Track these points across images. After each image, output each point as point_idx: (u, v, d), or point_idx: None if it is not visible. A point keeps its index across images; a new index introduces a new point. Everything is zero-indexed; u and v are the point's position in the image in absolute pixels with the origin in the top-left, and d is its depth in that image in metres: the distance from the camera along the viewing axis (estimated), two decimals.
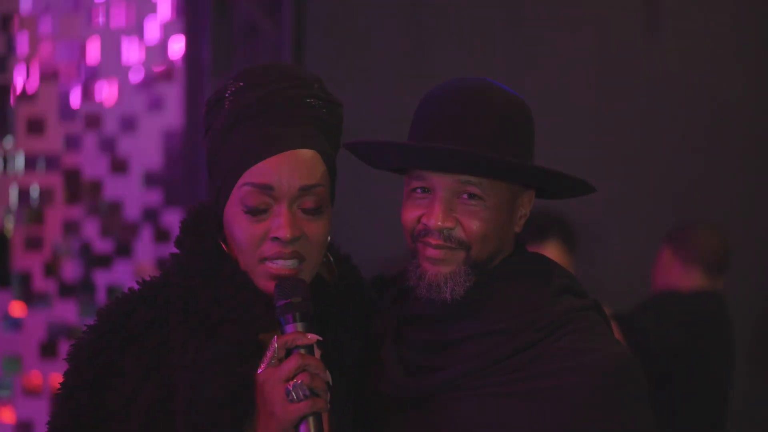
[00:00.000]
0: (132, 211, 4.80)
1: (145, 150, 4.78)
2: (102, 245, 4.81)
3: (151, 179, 4.82)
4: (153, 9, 4.72)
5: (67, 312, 4.74)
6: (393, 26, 4.64)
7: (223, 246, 1.90)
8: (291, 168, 1.83)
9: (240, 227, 1.85)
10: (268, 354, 1.77)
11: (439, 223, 1.87)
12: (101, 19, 4.76)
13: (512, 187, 1.91)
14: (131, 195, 4.78)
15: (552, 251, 4.27)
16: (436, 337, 1.94)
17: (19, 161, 4.82)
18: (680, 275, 4.05)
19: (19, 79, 4.77)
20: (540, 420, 1.83)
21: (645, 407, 1.89)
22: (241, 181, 1.84)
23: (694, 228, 4.18)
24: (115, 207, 4.82)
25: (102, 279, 4.77)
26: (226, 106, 1.87)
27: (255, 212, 1.83)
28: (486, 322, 1.90)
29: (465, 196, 1.88)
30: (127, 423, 1.79)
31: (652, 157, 4.80)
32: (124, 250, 4.80)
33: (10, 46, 4.77)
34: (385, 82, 4.68)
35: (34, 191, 4.83)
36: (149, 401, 1.80)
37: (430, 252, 1.89)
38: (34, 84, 4.78)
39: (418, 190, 1.90)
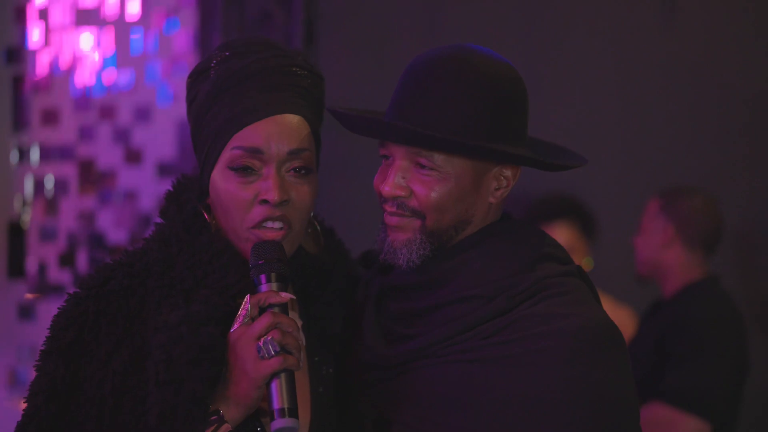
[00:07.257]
0: (146, 201, 4.81)
1: (159, 140, 4.79)
2: (116, 235, 4.82)
3: (164, 170, 4.82)
4: None
5: None
6: (407, 18, 4.62)
7: (205, 215, 1.92)
8: (280, 132, 1.86)
9: (228, 191, 1.87)
10: (242, 313, 1.77)
11: (390, 191, 1.89)
12: (113, 10, 4.77)
13: (476, 159, 1.89)
14: (145, 186, 4.79)
15: (562, 233, 4.19)
16: (413, 305, 1.93)
17: (34, 152, 4.84)
18: (681, 258, 3.76)
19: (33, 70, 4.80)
20: (515, 384, 1.80)
21: (622, 372, 1.84)
22: (229, 145, 1.87)
23: (695, 202, 3.81)
24: (130, 197, 4.83)
25: None
26: (212, 74, 1.91)
27: (244, 173, 1.85)
28: (462, 288, 1.89)
29: (419, 165, 1.88)
30: (100, 388, 1.79)
31: (674, 145, 4.75)
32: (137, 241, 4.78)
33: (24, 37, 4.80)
34: (398, 75, 4.65)
35: (49, 182, 4.85)
36: (122, 366, 1.80)
37: (388, 219, 1.92)
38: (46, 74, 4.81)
39: (384, 158, 1.93)
